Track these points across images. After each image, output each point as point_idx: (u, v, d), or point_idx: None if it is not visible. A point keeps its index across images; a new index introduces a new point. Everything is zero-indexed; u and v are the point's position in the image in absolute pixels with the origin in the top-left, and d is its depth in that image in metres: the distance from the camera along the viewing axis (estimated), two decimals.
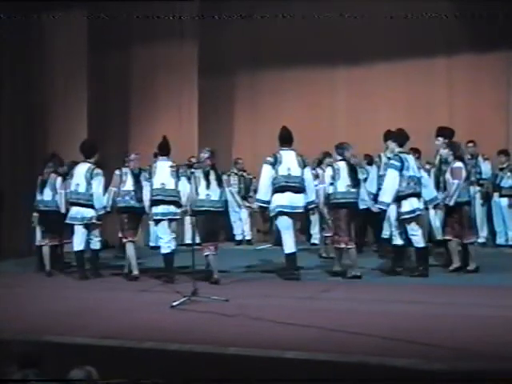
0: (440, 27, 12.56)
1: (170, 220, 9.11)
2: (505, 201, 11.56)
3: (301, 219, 9.84)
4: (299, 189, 8.87)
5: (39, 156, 11.84)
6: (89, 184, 9.32)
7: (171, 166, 9.00)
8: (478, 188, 11.62)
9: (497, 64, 12.69)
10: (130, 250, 9.29)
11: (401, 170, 8.73)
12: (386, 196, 8.73)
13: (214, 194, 8.64)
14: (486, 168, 11.67)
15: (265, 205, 9.06)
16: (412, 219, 8.75)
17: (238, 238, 13.21)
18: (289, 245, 8.84)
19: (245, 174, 13.12)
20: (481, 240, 11.68)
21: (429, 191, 8.93)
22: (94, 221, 9.38)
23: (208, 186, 8.63)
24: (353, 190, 8.80)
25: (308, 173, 9.08)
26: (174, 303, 7.14)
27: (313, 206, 9.13)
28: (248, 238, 13.41)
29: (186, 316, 6.81)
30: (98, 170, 9.40)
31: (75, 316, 6.95)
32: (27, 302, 7.86)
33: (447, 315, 6.52)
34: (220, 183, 8.75)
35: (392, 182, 8.70)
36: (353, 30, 12.98)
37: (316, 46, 13.48)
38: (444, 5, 12.46)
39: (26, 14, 12.38)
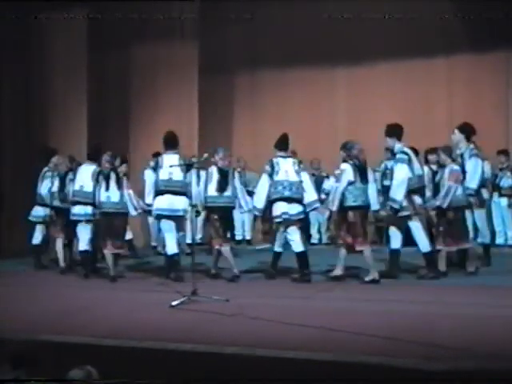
0: (440, 27, 12.57)
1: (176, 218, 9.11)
2: (504, 201, 11.57)
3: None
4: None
5: (39, 156, 11.84)
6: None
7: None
8: None
9: (496, 64, 12.70)
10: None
11: (270, 175, 8.84)
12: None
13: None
14: (485, 168, 11.65)
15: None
16: (286, 223, 8.78)
17: (238, 237, 13.23)
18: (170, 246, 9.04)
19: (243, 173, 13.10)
20: (480, 240, 11.69)
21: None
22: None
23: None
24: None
25: (305, 176, 9.03)
26: (174, 303, 7.14)
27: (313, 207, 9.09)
28: (248, 237, 13.41)
29: (185, 316, 6.81)
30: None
31: (75, 315, 6.95)
32: (27, 301, 7.85)
33: (447, 315, 6.52)
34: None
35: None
36: (353, 30, 12.98)
37: (316, 46, 13.49)
38: (444, 5, 12.46)
39: (26, 14, 12.38)
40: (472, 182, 8.89)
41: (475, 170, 8.93)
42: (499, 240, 11.68)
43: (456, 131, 9.09)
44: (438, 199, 8.75)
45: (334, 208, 8.69)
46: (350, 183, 8.55)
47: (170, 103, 13.56)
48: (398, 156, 8.83)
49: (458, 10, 12.33)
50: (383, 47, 13.08)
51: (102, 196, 9.21)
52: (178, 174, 8.95)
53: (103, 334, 6.08)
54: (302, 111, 13.89)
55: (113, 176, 9.25)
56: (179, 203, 8.98)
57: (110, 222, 9.21)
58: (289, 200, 8.80)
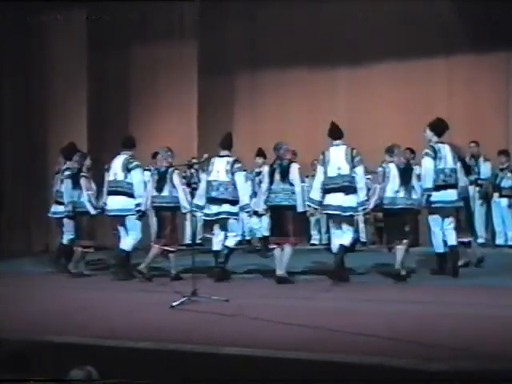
0: (440, 27, 12.57)
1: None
2: (505, 201, 11.57)
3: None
4: None
5: (39, 156, 11.87)
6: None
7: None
8: (477, 188, 11.65)
9: (496, 64, 12.70)
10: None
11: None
12: None
13: None
14: (485, 168, 11.69)
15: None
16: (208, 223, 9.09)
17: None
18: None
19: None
20: (480, 240, 11.70)
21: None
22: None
23: None
24: None
25: (239, 177, 9.04)
26: (174, 303, 7.13)
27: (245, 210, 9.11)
28: (248, 238, 13.38)
29: (185, 316, 6.80)
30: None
31: (74, 316, 6.94)
32: (26, 301, 7.85)
33: (447, 315, 6.51)
34: None
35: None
36: (353, 30, 12.98)
37: (316, 46, 13.48)
38: (444, 5, 12.45)
39: (26, 15, 12.39)
40: (423, 183, 8.64)
41: (425, 170, 8.60)
42: (499, 240, 11.68)
43: (427, 129, 8.77)
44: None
45: (260, 208, 8.83)
46: (270, 183, 8.63)
47: (170, 103, 13.57)
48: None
49: (458, 9, 12.33)
50: (383, 47, 13.08)
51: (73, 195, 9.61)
52: (120, 175, 9.23)
53: (103, 334, 6.07)
54: (301, 111, 13.88)
55: (77, 175, 9.57)
56: (122, 203, 9.22)
57: (76, 220, 9.66)
58: (214, 200, 8.93)
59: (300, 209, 8.64)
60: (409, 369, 4.85)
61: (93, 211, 9.47)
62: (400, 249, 8.46)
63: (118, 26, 13.19)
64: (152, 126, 13.19)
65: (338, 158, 8.55)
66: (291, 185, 8.55)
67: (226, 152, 9.15)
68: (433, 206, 8.63)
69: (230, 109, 14.48)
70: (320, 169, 8.67)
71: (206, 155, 10.95)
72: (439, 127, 8.71)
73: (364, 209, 8.71)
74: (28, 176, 11.48)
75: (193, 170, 11.91)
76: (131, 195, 9.19)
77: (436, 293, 7.80)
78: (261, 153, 11.26)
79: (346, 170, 8.48)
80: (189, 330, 6.19)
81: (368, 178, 10.51)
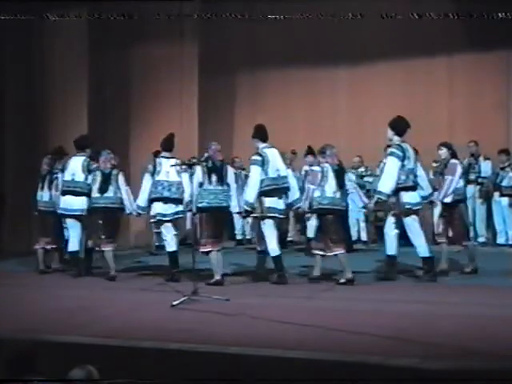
0: (440, 27, 12.56)
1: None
2: (505, 200, 11.56)
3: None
4: None
5: (39, 156, 11.85)
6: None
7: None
8: (477, 187, 11.65)
9: (497, 63, 12.71)
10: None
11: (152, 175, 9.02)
12: None
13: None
14: (486, 167, 11.69)
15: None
16: (159, 223, 9.08)
17: (239, 237, 13.22)
18: None
19: (243, 172, 13.06)
20: (481, 239, 11.71)
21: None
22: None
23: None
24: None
25: (186, 177, 9.01)
26: (175, 302, 7.14)
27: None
28: (249, 237, 13.39)
29: (186, 315, 6.81)
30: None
31: (75, 315, 6.95)
32: (26, 301, 7.85)
33: (447, 315, 6.52)
34: None
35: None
36: (354, 29, 12.98)
37: (317, 45, 13.49)
38: (444, 5, 12.45)
39: (26, 15, 12.38)
40: (381, 186, 8.36)
41: (387, 171, 8.37)
42: (500, 240, 11.68)
43: (388, 128, 8.59)
44: (442, 195, 8.83)
45: (193, 209, 8.54)
46: (200, 184, 8.50)
47: (171, 103, 13.56)
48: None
49: (459, 9, 12.32)
50: (384, 47, 13.08)
51: (38, 195, 10.02)
52: (79, 175, 9.49)
53: (103, 333, 6.08)
54: (302, 111, 13.89)
55: (47, 177, 9.99)
56: (77, 203, 9.45)
57: (42, 220, 10.02)
58: (166, 200, 8.94)
59: (235, 210, 8.77)
60: (409, 368, 4.86)
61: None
62: (342, 255, 8.38)
63: (118, 26, 13.16)
64: (152, 126, 13.18)
65: (274, 160, 8.58)
66: (227, 186, 8.60)
67: (169, 154, 9.23)
68: (407, 207, 8.35)
69: (230, 108, 14.50)
70: (258, 170, 8.55)
71: (206, 154, 10.93)
72: (399, 126, 8.51)
73: (298, 207, 8.80)
74: (28, 175, 11.45)
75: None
76: (89, 196, 9.45)
77: (436, 293, 7.80)
78: (311, 151, 10.87)
79: (283, 171, 8.63)
80: (190, 330, 6.19)
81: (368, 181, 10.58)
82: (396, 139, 8.45)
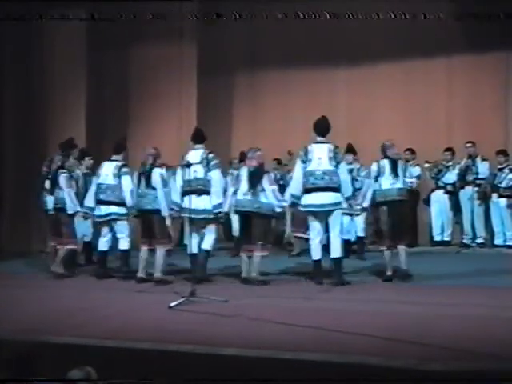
0: (439, 28, 12.55)
1: None
2: (503, 201, 11.56)
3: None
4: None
5: (38, 156, 11.86)
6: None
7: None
8: (475, 188, 11.66)
9: (496, 64, 12.70)
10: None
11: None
12: None
13: None
14: (483, 168, 11.68)
15: None
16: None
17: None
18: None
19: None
20: (479, 240, 11.72)
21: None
22: None
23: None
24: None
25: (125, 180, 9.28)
26: (172, 304, 7.14)
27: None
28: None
29: (184, 316, 6.81)
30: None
31: (73, 316, 6.95)
32: (25, 302, 7.85)
33: (446, 315, 6.53)
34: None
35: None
36: (353, 30, 12.97)
37: (316, 46, 13.48)
38: (444, 5, 12.45)
39: (25, 15, 12.38)
40: (290, 188, 8.68)
41: (293, 174, 8.70)
42: (498, 241, 11.68)
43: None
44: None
45: (134, 210, 9.12)
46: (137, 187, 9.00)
47: (170, 103, 13.56)
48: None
49: (458, 10, 12.32)
50: (383, 47, 13.08)
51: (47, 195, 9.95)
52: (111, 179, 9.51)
53: (101, 334, 6.08)
54: (301, 111, 13.86)
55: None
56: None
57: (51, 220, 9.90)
58: (103, 202, 9.31)
59: (164, 213, 8.90)
60: (408, 369, 4.87)
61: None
62: (256, 256, 8.58)
63: (117, 26, 13.16)
64: (151, 126, 13.18)
65: (195, 162, 8.75)
66: (154, 189, 8.86)
67: (116, 156, 9.46)
68: (303, 209, 8.49)
69: (229, 109, 14.50)
70: (179, 172, 8.89)
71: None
72: (319, 126, 8.50)
73: (218, 212, 8.85)
74: (28, 175, 11.46)
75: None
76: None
77: (435, 293, 7.80)
78: (351, 149, 10.92)
79: (201, 173, 8.73)
80: (188, 331, 6.20)
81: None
82: (318, 139, 8.46)
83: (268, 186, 8.61)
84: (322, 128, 8.46)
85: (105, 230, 9.49)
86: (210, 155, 8.84)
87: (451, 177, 11.89)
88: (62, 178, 9.54)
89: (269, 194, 8.56)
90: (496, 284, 8.23)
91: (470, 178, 11.62)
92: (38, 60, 12.96)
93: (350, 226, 10.49)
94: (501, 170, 11.58)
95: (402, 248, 8.54)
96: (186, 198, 8.55)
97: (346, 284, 8.34)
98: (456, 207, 11.97)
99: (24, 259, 11.12)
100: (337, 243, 8.32)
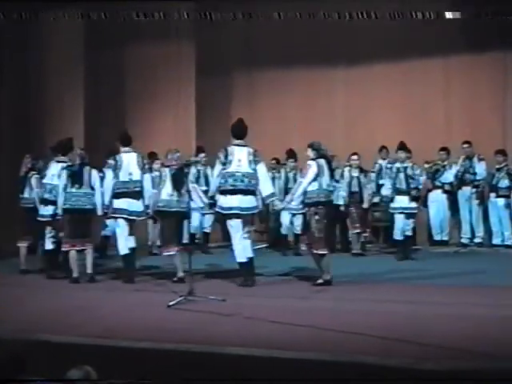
0: (437, 28, 12.54)
1: None
2: (501, 201, 11.57)
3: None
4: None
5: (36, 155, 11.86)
6: None
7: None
8: (473, 189, 11.67)
9: (493, 64, 12.71)
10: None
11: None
12: None
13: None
14: (480, 168, 11.69)
15: None
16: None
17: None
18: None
19: None
20: (477, 240, 11.74)
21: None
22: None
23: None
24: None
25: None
26: (171, 303, 7.15)
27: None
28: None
29: (182, 315, 6.82)
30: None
31: (71, 315, 6.96)
32: (23, 301, 7.86)
33: (443, 315, 6.54)
34: None
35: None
36: (351, 30, 12.96)
37: (314, 46, 13.49)
38: (441, 5, 12.45)
39: (23, 14, 12.38)
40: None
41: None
42: (496, 240, 11.69)
43: None
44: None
45: (60, 211, 9.13)
46: (64, 187, 9.08)
47: (168, 103, 13.57)
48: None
49: (456, 10, 12.33)
50: (381, 47, 13.09)
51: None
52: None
53: (99, 333, 6.09)
54: (299, 111, 13.89)
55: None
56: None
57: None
58: (46, 202, 9.50)
59: (99, 212, 9.13)
60: (406, 368, 4.88)
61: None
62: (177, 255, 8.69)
63: (114, 25, 13.16)
64: (149, 126, 13.19)
65: (130, 164, 8.93)
66: (92, 189, 9.12)
67: (65, 157, 9.59)
68: (224, 212, 8.52)
69: (227, 108, 14.47)
70: (110, 173, 9.01)
71: (202, 155, 10.98)
72: (235, 129, 8.64)
73: (147, 213, 9.16)
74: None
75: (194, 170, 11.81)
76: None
77: (432, 293, 7.81)
78: (404, 147, 10.86)
79: (137, 175, 8.94)
80: (186, 330, 6.22)
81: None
82: (237, 142, 8.54)
83: (190, 185, 8.62)
84: (239, 131, 8.59)
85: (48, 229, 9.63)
86: (142, 158, 9.25)
87: (449, 176, 11.89)
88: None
89: (192, 194, 8.40)
90: (494, 283, 8.24)
91: (467, 178, 11.64)
92: (34, 60, 12.94)
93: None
94: (499, 169, 11.59)
95: None
96: (120, 200, 8.89)
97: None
98: (454, 207, 11.97)
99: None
100: (247, 244, 8.47)
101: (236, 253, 8.45)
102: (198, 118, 13.50)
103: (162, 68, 13.46)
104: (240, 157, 8.37)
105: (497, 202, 11.61)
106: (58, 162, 9.53)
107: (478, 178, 11.67)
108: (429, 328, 6.02)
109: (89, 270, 9.08)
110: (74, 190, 9.03)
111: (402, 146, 10.79)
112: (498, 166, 11.62)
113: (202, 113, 13.55)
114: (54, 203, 9.32)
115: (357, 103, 13.44)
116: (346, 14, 12.70)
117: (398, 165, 10.65)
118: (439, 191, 12.03)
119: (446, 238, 12.11)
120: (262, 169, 8.52)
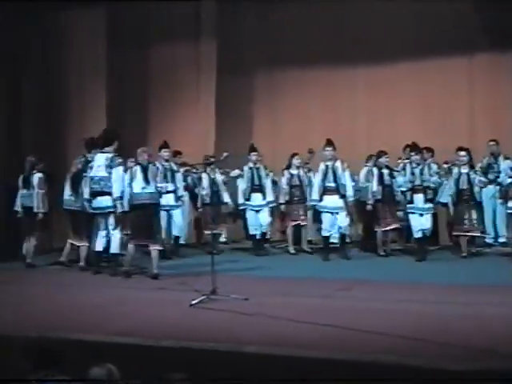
0: (461, 26, 12.45)
1: None
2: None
3: None
4: None
5: (59, 155, 11.94)
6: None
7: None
8: (497, 187, 11.53)
9: None
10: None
11: None
12: None
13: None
14: (505, 167, 11.54)
15: None
16: None
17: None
18: None
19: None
20: (501, 240, 11.60)
21: None
22: None
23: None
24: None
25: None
26: (193, 301, 7.16)
27: None
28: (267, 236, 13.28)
29: (205, 314, 6.83)
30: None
31: (93, 314, 6.99)
32: (44, 299, 7.90)
33: (464, 315, 6.51)
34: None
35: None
36: (372, 29, 12.90)
37: (336, 46, 13.42)
38: (465, 3, 12.35)
39: (45, 14, 12.46)
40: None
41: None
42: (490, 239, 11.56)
43: None
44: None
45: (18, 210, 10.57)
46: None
47: (189, 103, 13.56)
48: None
49: (480, 8, 12.22)
50: (403, 47, 12.99)
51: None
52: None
53: (122, 331, 6.11)
54: (320, 111, 13.83)
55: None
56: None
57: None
58: (96, 194, 9.78)
59: (35, 210, 10.40)
60: (425, 368, 4.87)
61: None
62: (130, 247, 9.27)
63: (136, 25, 13.21)
64: (170, 125, 13.20)
65: (100, 163, 9.62)
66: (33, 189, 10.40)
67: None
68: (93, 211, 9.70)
69: (248, 108, 14.45)
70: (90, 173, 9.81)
71: (225, 154, 10.97)
72: (99, 139, 9.86)
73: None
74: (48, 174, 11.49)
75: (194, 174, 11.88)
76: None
77: (457, 293, 7.74)
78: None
79: (103, 173, 9.60)
80: (208, 329, 6.22)
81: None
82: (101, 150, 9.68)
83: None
84: (103, 139, 9.74)
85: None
86: (114, 156, 9.67)
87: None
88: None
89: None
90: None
91: (491, 176, 11.51)
92: (56, 60, 13.00)
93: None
94: None
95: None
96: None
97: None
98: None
99: (41, 256, 11.11)
100: (116, 240, 9.54)
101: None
102: (218, 117, 13.49)
103: (182, 68, 13.46)
104: (99, 163, 9.59)
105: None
106: (103, 153, 9.68)
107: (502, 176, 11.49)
108: (453, 328, 5.98)
109: (155, 270, 9.17)
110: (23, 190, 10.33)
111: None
112: None
113: (222, 112, 13.54)
114: (105, 194, 9.56)
115: (379, 103, 13.36)
116: (369, 13, 12.66)
117: (414, 165, 10.75)
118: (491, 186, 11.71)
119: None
120: (115, 173, 9.47)
